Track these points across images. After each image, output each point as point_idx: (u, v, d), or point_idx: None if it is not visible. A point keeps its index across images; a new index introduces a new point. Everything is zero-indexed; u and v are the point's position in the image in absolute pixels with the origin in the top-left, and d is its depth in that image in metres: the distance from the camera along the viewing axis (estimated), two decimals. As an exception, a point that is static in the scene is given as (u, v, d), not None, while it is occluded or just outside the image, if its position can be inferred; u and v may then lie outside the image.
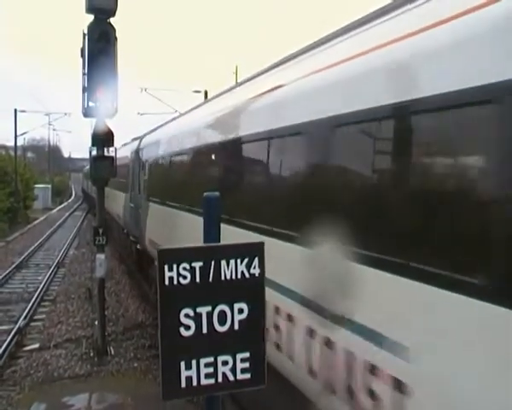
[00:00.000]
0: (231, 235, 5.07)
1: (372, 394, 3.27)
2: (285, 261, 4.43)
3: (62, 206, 62.18)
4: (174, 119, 13.08)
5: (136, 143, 15.79)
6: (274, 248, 4.04)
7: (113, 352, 10.51)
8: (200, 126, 8.37)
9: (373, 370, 3.26)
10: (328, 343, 3.83)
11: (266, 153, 5.19)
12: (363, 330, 3.38)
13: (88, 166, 15.77)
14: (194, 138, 8.48)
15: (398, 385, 3.00)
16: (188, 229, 8.01)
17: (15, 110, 42.72)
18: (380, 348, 3.19)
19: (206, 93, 28.20)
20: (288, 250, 4.46)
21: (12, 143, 44.71)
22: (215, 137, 7.28)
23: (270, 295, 3.51)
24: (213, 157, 7.38)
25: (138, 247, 14.25)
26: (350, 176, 3.93)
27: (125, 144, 21.41)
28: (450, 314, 2.67)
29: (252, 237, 5.07)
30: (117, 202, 18.60)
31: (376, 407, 3.24)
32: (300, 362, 4.30)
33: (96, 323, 10.93)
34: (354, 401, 3.48)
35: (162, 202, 10.56)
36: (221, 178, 6.91)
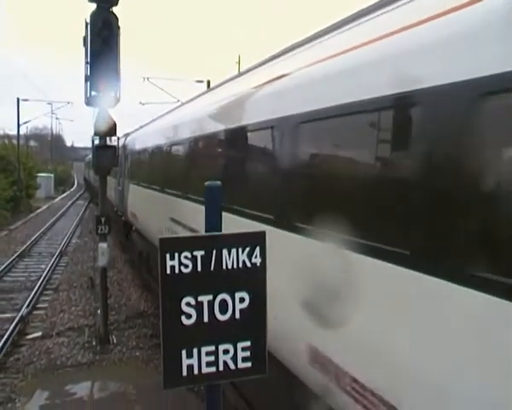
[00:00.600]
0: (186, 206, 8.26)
1: None
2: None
3: (65, 195, 62.27)
4: (150, 122, 16.07)
5: (123, 138, 18.99)
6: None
7: (115, 341, 10.56)
8: (163, 128, 12.01)
9: None
10: None
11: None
12: None
13: (89, 156, 19.52)
14: (158, 136, 12.08)
15: None
16: (152, 200, 11.71)
17: (18, 99, 42.70)
18: None
19: (208, 83, 28.11)
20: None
21: (15, 132, 44.76)
22: (162, 140, 11.21)
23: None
24: (165, 152, 10.78)
25: (123, 218, 18.28)
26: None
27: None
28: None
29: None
30: (109, 186, 21.53)
31: None
32: None
33: (99, 312, 10.97)
34: None
35: (137, 183, 14.49)
36: (167, 164, 10.58)
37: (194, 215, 7.56)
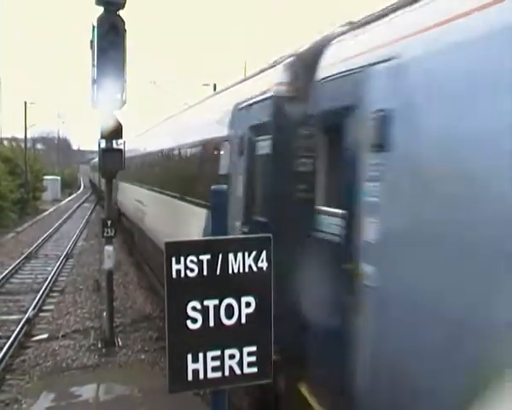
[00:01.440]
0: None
1: None
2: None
3: (71, 198, 62.51)
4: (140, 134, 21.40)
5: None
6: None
7: (120, 343, 10.57)
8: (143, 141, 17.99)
9: None
10: None
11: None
12: None
13: (95, 159, 22.17)
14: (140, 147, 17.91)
15: None
16: (132, 193, 17.96)
17: (25, 102, 42.98)
18: None
19: (215, 86, 28.19)
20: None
21: (22, 135, 45.00)
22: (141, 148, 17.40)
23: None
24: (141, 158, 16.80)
25: (116, 208, 22.52)
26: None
27: None
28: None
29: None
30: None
31: None
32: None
33: (104, 314, 10.99)
34: None
35: (124, 181, 20.07)
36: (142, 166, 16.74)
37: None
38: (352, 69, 3.77)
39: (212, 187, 2.53)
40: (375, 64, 3.48)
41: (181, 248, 2.43)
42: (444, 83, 2.89)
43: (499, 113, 2.44)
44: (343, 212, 3.74)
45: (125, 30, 9.90)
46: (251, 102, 5.78)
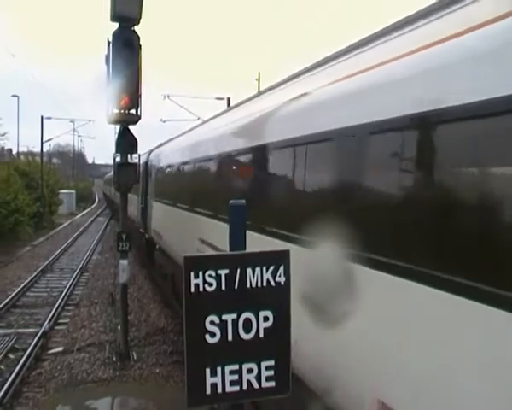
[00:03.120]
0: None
1: None
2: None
3: (86, 211, 63.02)
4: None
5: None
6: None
7: (135, 357, 10.58)
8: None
9: None
10: None
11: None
12: None
13: (109, 174, 20.78)
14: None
15: None
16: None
17: (42, 117, 43.57)
18: None
19: (228, 100, 28.32)
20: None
21: (38, 149, 45.60)
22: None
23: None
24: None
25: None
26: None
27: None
28: None
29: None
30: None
31: None
32: None
33: (119, 328, 11.02)
34: None
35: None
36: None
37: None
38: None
39: (231, 201, 2.55)
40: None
41: (199, 263, 2.45)
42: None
43: None
44: None
45: (140, 45, 10.03)
46: None
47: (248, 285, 2.48)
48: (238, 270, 2.47)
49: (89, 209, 67.81)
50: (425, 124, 3.13)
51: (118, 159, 10.69)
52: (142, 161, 18.61)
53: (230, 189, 7.57)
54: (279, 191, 5.60)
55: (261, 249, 2.57)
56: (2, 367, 10.17)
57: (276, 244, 4.91)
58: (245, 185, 7.06)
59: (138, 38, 10.00)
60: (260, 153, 6.12)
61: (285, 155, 5.34)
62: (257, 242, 4.94)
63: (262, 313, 2.51)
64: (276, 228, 5.22)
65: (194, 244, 9.28)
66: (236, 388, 2.50)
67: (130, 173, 10.55)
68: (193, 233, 9.68)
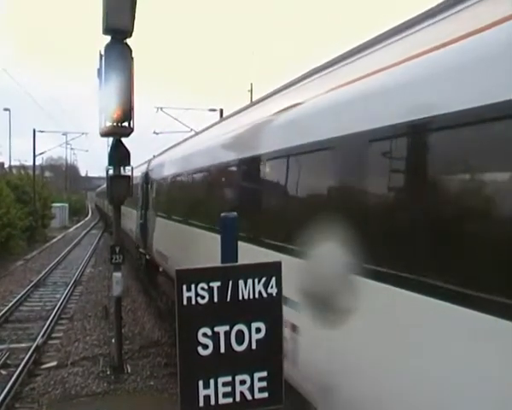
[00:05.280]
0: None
1: None
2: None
3: (79, 224, 62.77)
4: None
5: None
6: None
7: (129, 370, 10.52)
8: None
9: None
10: None
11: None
12: None
13: (102, 186, 23.19)
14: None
15: None
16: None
17: (34, 130, 43.47)
18: None
19: (221, 111, 28.43)
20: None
21: (30, 163, 45.45)
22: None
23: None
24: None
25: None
26: None
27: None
28: None
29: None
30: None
31: None
32: None
33: (113, 341, 10.96)
34: None
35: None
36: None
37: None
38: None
39: (222, 214, 2.57)
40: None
41: (191, 276, 2.47)
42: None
43: None
44: None
45: (133, 58, 10.07)
46: None
47: (240, 297, 2.50)
48: (230, 282, 2.49)
49: (82, 222, 67.54)
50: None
51: (111, 171, 10.68)
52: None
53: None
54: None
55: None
56: (-6, 383, 10.08)
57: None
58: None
59: (131, 50, 10.04)
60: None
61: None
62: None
63: (254, 325, 2.53)
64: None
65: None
66: (229, 399, 2.51)
67: (123, 186, 10.55)
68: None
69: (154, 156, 18.00)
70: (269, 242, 5.35)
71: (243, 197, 6.82)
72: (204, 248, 8.27)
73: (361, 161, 3.80)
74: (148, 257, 16.15)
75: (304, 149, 4.73)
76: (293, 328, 4.50)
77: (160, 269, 13.80)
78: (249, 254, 4.98)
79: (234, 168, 7.25)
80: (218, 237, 5.72)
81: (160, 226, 13.60)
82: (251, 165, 6.32)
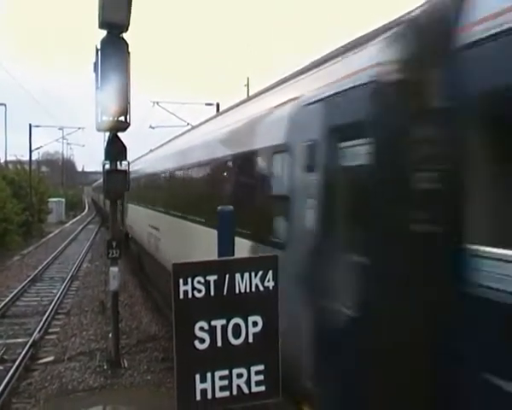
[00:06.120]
0: None
1: None
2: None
3: (75, 219, 62.63)
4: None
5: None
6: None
7: (126, 365, 10.52)
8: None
9: None
10: None
11: None
12: None
13: (98, 181, 22.45)
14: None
15: None
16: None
17: (30, 125, 43.28)
18: None
19: (218, 106, 28.38)
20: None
21: (27, 158, 45.26)
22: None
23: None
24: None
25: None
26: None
27: None
28: None
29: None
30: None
31: None
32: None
33: (110, 336, 10.96)
34: None
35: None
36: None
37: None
38: None
39: (219, 207, 2.56)
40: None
41: (188, 270, 2.46)
42: None
43: None
44: None
45: (129, 53, 10.03)
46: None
47: (237, 291, 2.50)
48: (227, 276, 2.48)
49: (78, 217, 67.41)
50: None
51: (107, 166, 10.65)
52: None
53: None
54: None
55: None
56: (-10, 378, 10.07)
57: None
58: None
59: (127, 44, 10.01)
60: None
61: None
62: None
63: (251, 319, 2.53)
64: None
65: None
66: (226, 393, 2.52)
67: (119, 180, 10.53)
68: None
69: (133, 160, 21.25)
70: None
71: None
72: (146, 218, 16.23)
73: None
74: (124, 230, 22.73)
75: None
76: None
77: (130, 236, 22.16)
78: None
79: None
80: (150, 211, 13.97)
81: (131, 210, 21.40)
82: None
